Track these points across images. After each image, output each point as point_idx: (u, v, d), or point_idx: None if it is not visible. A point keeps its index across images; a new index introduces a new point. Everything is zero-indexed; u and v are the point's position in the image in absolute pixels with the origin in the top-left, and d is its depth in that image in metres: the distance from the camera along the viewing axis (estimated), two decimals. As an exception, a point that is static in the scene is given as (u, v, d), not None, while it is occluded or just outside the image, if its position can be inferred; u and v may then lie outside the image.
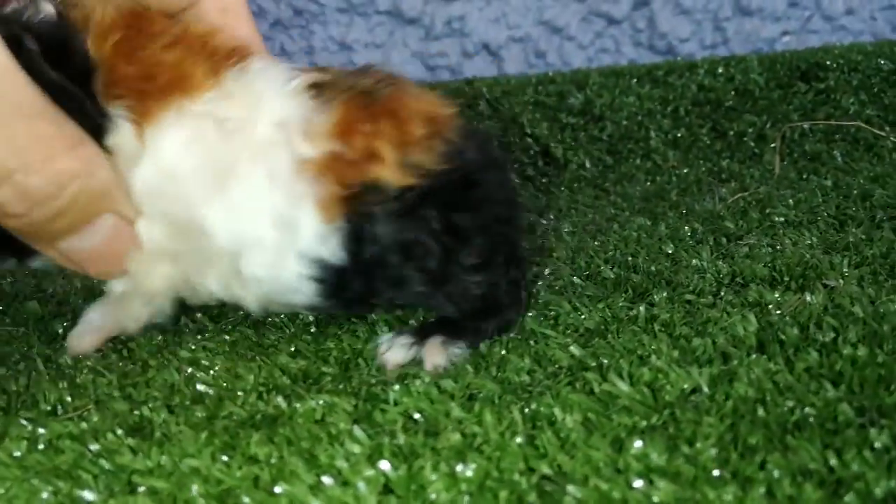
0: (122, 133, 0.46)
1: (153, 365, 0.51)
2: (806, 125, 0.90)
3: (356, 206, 0.46)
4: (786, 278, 0.54)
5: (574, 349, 0.46)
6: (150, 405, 0.44)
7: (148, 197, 0.47)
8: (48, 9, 0.47)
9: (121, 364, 0.52)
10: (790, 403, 0.38)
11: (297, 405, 0.42)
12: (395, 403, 0.42)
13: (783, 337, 0.45)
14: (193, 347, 0.53)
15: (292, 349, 0.51)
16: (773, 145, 0.89)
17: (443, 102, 0.50)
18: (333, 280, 0.48)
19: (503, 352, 0.47)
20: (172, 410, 0.44)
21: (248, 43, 0.52)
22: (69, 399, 0.47)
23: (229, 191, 0.47)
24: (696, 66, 1.01)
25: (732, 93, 0.97)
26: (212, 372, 0.49)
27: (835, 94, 0.95)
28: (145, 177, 0.47)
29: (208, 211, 0.47)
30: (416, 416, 0.41)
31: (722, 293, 0.53)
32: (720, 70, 1.00)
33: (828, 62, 0.96)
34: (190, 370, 0.49)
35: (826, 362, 0.42)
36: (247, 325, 0.56)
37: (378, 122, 0.47)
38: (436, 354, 0.47)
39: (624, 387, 0.41)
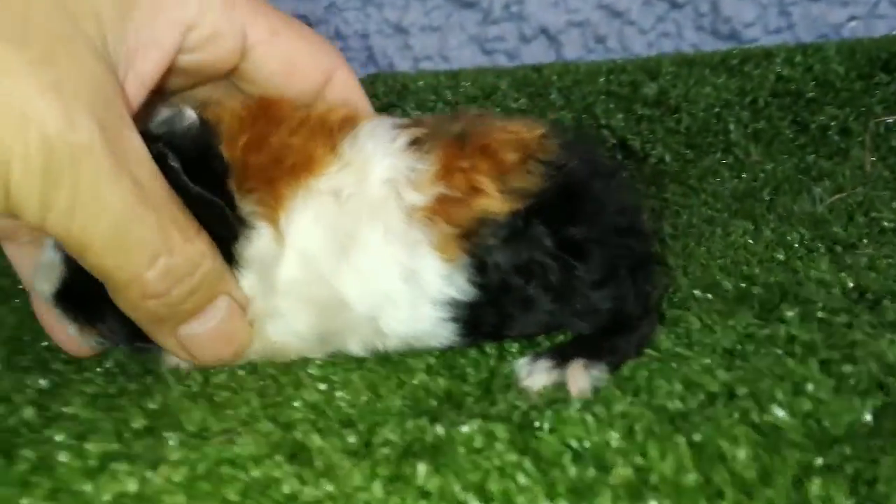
0: (261, 238, 0.49)
1: (285, 382, 0.51)
2: (891, 119, 0.89)
3: (472, 240, 0.49)
4: (917, 295, 0.53)
5: (721, 373, 0.46)
6: (300, 428, 0.44)
7: (293, 286, 0.50)
8: (191, 116, 0.50)
9: (251, 380, 0.52)
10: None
11: (454, 432, 0.42)
12: (551, 431, 0.42)
13: (937, 363, 0.45)
14: (320, 363, 0.53)
15: (425, 366, 0.51)
16: (860, 139, 0.87)
17: (529, 126, 0.52)
18: (468, 317, 0.50)
19: (647, 374, 0.47)
20: (323, 434, 0.44)
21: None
22: (213, 419, 0.47)
23: (355, 256, 0.49)
24: (772, 55, 1.00)
25: (812, 83, 0.96)
26: (350, 390, 0.48)
27: (918, 86, 0.93)
28: (289, 269, 0.50)
29: (342, 282, 0.49)
30: (575, 444, 0.41)
31: (856, 311, 0.52)
32: (798, 59, 0.98)
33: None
34: (324, 387, 0.49)
35: None
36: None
37: (473, 159, 0.50)
38: (580, 378, 0.46)
39: (786, 417, 0.41)
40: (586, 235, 0.49)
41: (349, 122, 0.52)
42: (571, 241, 0.49)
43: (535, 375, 0.47)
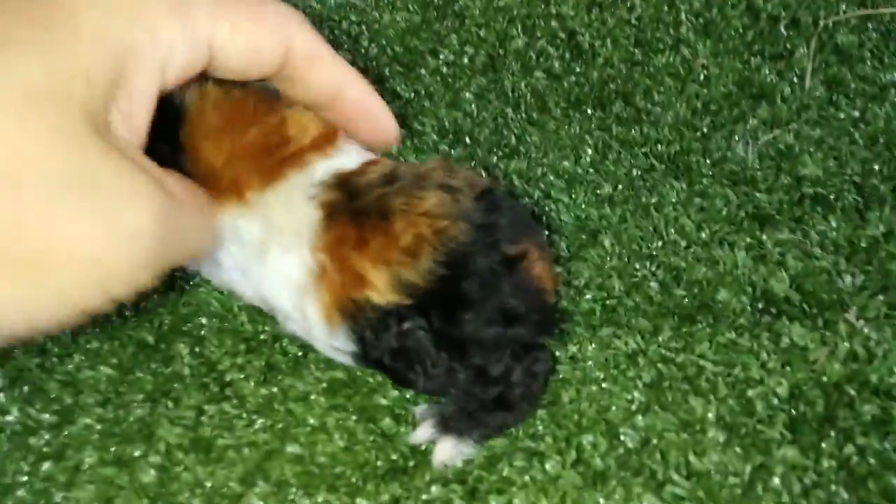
0: None
1: (275, 425, 0.58)
2: (842, 17, 0.88)
3: (352, 317, 0.51)
4: (813, 309, 0.61)
5: (639, 420, 0.55)
6: (291, 494, 0.54)
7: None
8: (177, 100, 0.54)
9: (240, 423, 0.59)
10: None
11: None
12: (499, 492, 0.52)
13: (810, 413, 0.54)
14: (303, 387, 0.60)
15: (391, 402, 0.59)
16: (807, 36, 0.88)
17: (450, 202, 0.50)
18: (358, 359, 0.54)
19: (576, 420, 0.56)
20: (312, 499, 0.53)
21: (335, 88, 0.58)
22: (212, 480, 0.56)
23: (263, 268, 0.54)
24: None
25: (770, -41, 0.93)
26: (327, 438, 0.57)
27: (875, -34, 0.91)
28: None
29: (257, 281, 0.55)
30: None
31: (756, 332, 0.60)
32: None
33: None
34: (307, 433, 0.58)
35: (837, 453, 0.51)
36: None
37: (370, 240, 0.50)
38: (447, 454, 0.53)
39: (682, 485, 0.51)
40: (469, 336, 0.49)
41: (290, 161, 0.54)
42: (453, 341, 0.49)
43: (418, 431, 0.55)
